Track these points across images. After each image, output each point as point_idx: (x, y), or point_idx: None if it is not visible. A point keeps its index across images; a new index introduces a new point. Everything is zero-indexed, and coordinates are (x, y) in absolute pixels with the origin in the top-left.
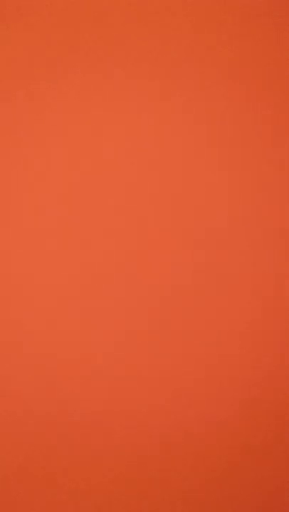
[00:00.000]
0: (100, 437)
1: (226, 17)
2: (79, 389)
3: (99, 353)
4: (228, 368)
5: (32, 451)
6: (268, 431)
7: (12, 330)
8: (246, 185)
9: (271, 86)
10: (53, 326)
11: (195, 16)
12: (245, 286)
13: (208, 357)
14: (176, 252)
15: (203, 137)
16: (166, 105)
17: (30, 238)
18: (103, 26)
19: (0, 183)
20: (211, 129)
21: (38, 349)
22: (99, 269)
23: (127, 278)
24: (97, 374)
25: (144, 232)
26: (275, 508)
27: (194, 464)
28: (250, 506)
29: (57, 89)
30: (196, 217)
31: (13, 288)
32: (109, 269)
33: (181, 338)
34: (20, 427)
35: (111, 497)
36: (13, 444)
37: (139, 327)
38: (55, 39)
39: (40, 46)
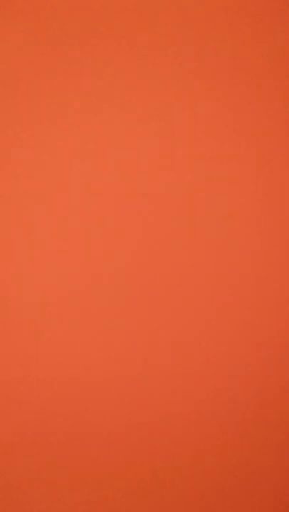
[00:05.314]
0: (99, 440)
1: (228, 15)
2: (79, 392)
3: (99, 356)
4: (230, 371)
5: (31, 456)
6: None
7: (12, 330)
8: (249, 186)
9: (273, 86)
10: (53, 328)
11: (197, 16)
12: (247, 288)
13: (208, 357)
14: (177, 254)
15: (206, 138)
16: (168, 104)
17: (30, 240)
18: (104, 25)
19: (0, 183)
20: (213, 130)
21: (38, 350)
22: (99, 271)
23: (127, 279)
24: (97, 377)
25: (144, 234)
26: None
27: (196, 469)
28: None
29: (58, 89)
30: (196, 218)
31: (12, 294)
32: (110, 270)
33: (182, 340)
34: (18, 429)
35: (111, 505)
36: (11, 448)
37: (139, 328)
38: (56, 38)
39: (41, 46)
